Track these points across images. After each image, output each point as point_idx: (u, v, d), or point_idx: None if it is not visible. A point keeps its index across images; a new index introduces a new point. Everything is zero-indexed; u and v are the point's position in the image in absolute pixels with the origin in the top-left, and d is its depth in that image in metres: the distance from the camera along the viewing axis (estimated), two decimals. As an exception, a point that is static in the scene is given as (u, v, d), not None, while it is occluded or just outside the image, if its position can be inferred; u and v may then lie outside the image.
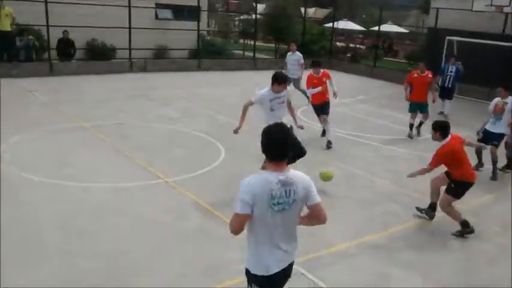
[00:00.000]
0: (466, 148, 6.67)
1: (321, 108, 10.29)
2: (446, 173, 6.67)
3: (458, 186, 6.49)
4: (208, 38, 25.82)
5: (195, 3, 20.59)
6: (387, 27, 29.97)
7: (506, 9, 16.74)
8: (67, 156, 8.49)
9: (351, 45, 31.30)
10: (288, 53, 15.09)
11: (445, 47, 17.56)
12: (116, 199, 6.88)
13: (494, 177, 8.88)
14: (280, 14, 27.27)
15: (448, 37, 17.64)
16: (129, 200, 6.87)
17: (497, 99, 9.02)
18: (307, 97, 13.39)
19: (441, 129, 6.46)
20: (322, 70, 10.40)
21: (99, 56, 18.60)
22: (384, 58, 29.15)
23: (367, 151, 10.17)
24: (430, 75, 11.43)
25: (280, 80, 7.13)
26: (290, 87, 14.35)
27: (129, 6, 18.08)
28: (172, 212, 6.40)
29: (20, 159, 8.14)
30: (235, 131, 7.40)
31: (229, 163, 8.62)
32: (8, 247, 5.31)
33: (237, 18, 38.89)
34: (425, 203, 7.48)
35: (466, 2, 17.44)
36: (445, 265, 5.69)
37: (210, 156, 8.76)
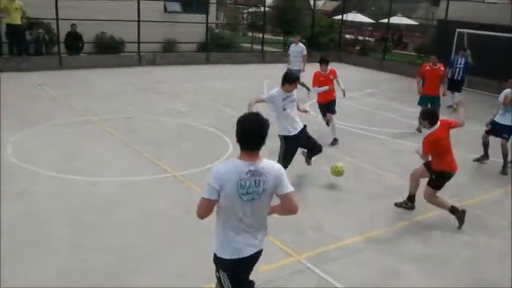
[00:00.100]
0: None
1: (327, 106, 10.01)
2: (426, 164, 6.69)
3: (439, 177, 6.54)
4: (217, 31, 25.76)
5: (203, -4, 20.60)
6: (397, 20, 29.74)
7: (517, 1, 16.57)
8: (75, 150, 8.53)
9: (360, 37, 31.11)
10: (292, 45, 15.09)
11: (455, 40, 17.40)
12: (124, 193, 6.91)
13: (504, 171, 8.81)
14: (289, 6, 27.10)
15: (458, 29, 17.47)
16: (137, 194, 6.90)
17: (507, 91, 8.91)
18: (308, 89, 13.44)
19: (429, 117, 6.49)
20: (329, 67, 10.11)
21: (108, 50, 18.62)
22: (393, 51, 28.95)
23: (375, 145, 10.13)
24: (442, 68, 11.34)
25: (290, 80, 7.08)
26: None
27: (138, 0, 18.09)
28: (180, 206, 6.41)
29: (28, 153, 8.19)
30: (250, 105, 7.15)
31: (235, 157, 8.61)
32: (14, 243, 5.35)
33: (245, 11, 38.77)
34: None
35: (477, -6, 17.29)
36: (452, 260, 5.67)
37: (218, 150, 8.76)
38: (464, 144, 10.46)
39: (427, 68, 11.37)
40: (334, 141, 9.82)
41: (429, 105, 11.35)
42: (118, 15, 17.58)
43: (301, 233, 6.06)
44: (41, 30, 16.76)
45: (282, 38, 27.64)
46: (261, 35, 24.16)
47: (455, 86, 13.98)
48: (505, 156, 8.83)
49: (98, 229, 5.81)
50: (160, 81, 15.62)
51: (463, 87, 14.65)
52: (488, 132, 9.03)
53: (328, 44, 25.25)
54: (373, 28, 36.19)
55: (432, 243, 6.04)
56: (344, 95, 10.30)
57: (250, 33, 32.54)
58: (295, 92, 7.26)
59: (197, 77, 17.04)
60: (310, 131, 7.72)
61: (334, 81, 10.12)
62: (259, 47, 23.38)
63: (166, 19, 20.57)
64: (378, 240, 6.02)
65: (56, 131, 9.53)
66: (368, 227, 6.34)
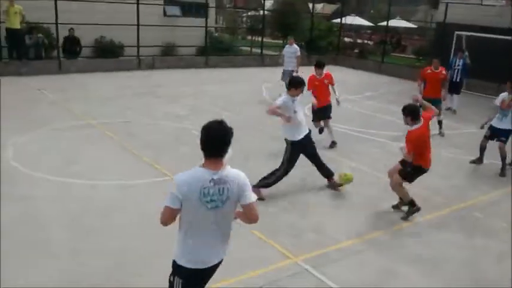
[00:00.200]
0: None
1: (323, 112, 9.69)
2: (402, 162, 6.75)
3: (415, 172, 6.64)
4: (216, 34, 25.82)
5: (203, 0, 20.62)
6: (395, 23, 29.81)
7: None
8: (74, 154, 8.55)
9: (359, 40, 31.17)
10: (286, 46, 15.16)
11: (453, 42, 17.44)
12: (123, 197, 6.93)
13: (502, 173, 8.83)
14: (288, 10, 27.20)
15: (457, 32, 17.51)
16: (136, 198, 6.92)
17: (504, 95, 8.93)
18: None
19: (412, 113, 6.50)
20: (325, 71, 9.88)
21: (107, 54, 18.67)
22: (392, 54, 28.98)
23: (374, 147, 10.16)
24: (444, 72, 11.39)
25: (296, 84, 7.11)
26: (286, 81, 14.48)
27: (138, 3, 18.14)
28: (178, 209, 6.42)
29: (28, 157, 8.21)
30: (288, 120, 7.04)
31: (236, 160, 8.60)
32: (15, 245, 5.37)
33: (244, 15, 38.86)
34: (431, 200, 7.49)
35: (475, -4, 17.35)
36: (451, 261, 5.69)
37: (216, 154, 8.77)
38: (460, 146, 10.54)
39: (428, 71, 11.40)
40: (333, 144, 9.84)
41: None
42: (117, 19, 17.63)
43: (299, 235, 6.08)
44: (40, 35, 16.78)
45: (281, 42, 27.71)
46: (260, 39, 24.20)
47: (453, 88, 14.01)
48: (503, 158, 8.85)
49: (97, 232, 5.83)
50: (159, 85, 15.65)
51: (462, 90, 14.68)
52: (487, 137, 9.03)
53: (327, 47, 25.30)
54: (372, 31, 36.23)
55: (430, 245, 6.06)
56: (338, 103, 9.98)
57: (249, 37, 32.63)
58: (300, 96, 7.28)
59: (196, 81, 17.07)
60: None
61: (330, 87, 9.91)
62: (259, 51, 23.43)
63: (166, 23, 20.62)
64: (377, 242, 6.04)
65: (56, 135, 9.55)
66: (367, 229, 6.36)
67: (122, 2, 18.14)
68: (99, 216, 6.27)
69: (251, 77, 18.59)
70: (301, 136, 7.13)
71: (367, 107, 13.94)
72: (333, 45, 25.47)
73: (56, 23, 16.36)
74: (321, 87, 9.74)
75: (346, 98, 14.68)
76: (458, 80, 14.10)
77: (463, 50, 15.03)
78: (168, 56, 20.30)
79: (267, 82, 16.72)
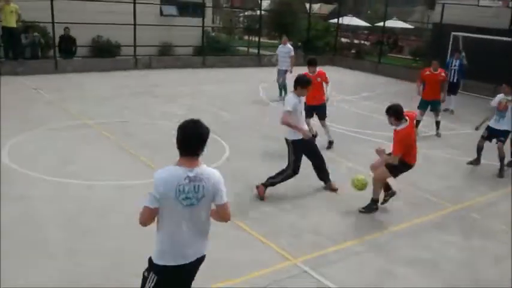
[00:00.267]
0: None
1: (314, 110, 9.59)
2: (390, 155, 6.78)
3: (402, 167, 6.68)
4: (213, 34, 25.79)
5: (199, 0, 20.59)
6: (392, 23, 29.87)
7: (512, 4, 16.66)
8: (71, 154, 8.52)
9: (356, 41, 31.20)
10: (279, 45, 15.16)
11: (450, 43, 17.47)
12: (120, 197, 6.90)
13: (501, 174, 8.83)
14: (285, 10, 27.23)
15: (453, 33, 17.54)
16: (134, 198, 6.86)
17: (500, 96, 8.94)
18: (281, 93, 13.56)
19: (396, 113, 6.50)
20: (318, 69, 9.75)
21: (104, 53, 18.62)
22: (389, 54, 29.04)
23: (370, 148, 10.06)
24: (443, 74, 11.41)
25: (302, 83, 7.07)
26: (279, 80, 14.49)
27: (134, 3, 18.11)
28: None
29: (24, 157, 8.17)
30: (307, 135, 7.08)
31: (234, 160, 8.62)
32: (11, 246, 5.33)
33: (241, 15, 38.86)
34: (429, 201, 7.50)
35: (472, -3, 17.37)
36: (448, 263, 5.68)
37: (214, 154, 8.75)
38: (456, 147, 10.55)
39: (427, 73, 11.41)
40: (330, 144, 9.81)
41: (429, 109, 11.41)
42: (114, 18, 17.58)
43: (298, 236, 6.07)
44: (36, 34, 16.72)
45: (278, 42, 27.68)
46: (257, 39, 24.20)
47: (450, 88, 13.99)
48: (501, 159, 8.85)
49: (94, 233, 5.80)
50: (156, 84, 15.61)
51: (459, 91, 14.70)
52: (484, 138, 9.04)
53: (324, 47, 25.31)
54: (369, 32, 36.28)
55: (428, 246, 6.05)
56: (327, 100, 9.88)
57: (246, 37, 32.62)
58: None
59: (193, 81, 17.04)
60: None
61: (324, 85, 9.80)
62: (256, 51, 23.42)
63: (163, 23, 20.58)
64: (375, 243, 6.03)
65: (52, 135, 9.51)
66: (365, 230, 6.35)
67: (119, 1, 18.10)
68: (96, 216, 6.24)
69: (248, 77, 18.57)
70: (301, 136, 7.11)
71: (364, 108, 13.94)
72: (330, 46, 25.48)
73: (53, 22, 16.32)
74: (313, 85, 9.51)
75: (343, 98, 14.71)
76: (455, 80, 14.12)
77: (460, 51, 15.07)
78: (165, 56, 20.26)
79: (264, 82, 16.72)
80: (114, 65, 18.05)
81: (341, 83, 17.48)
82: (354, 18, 33.50)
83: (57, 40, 17.07)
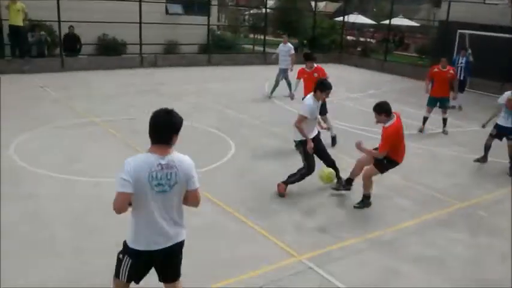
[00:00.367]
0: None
1: None
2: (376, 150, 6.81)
3: (390, 164, 6.75)
4: (218, 32, 25.80)
5: (205, -2, 20.67)
6: (398, 21, 29.74)
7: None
8: (78, 151, 8.55)
9: (362, 39, 31.14)
10: (280, 44, 15.17)
11: (456, 41, 17.41)
12: (126, 194, 6.90)
13: (511, 172, 8.76)
14: (291, 8, 27.20)
15: (459, 30, 17.47)
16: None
17: (508, 93, 8.85)
18: (290, 90, 13.51)
19: (386, 111, 6.58)
20: (316, 65, 9.63)
21: (110, 51, 18.67)
22: (395, 52, 28.97)
23: (375, 145, 10.10)
24: (452, 71, 11.39)
25: (321, 87, 7.03)
26: (280, 78, 14.47)
27: (140, 1, 18.16)
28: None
29: (31, 154, 8.21)
30: (310, 149, 7.10)
31: (239, 158, 8.63)
32: (17, 243, 5.37)
33: (247, 13, 38.83)
34: (435, 198, 7.48)
35: (478, -5, 17.29)
36: (455, 260, 5.67)
37: (220, 151, 8.78)
38: (463, 144, 10.51)
39: (436, 70, 11.39)
40: (333, 140, 9.73)
41: (437, 106, 11.37)
42: (120, 17, 17.63)
43: (303, 233, 6.07)
44: (43, 32, 16.78)
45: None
46: (262, 37, 24.18)
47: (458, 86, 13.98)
48: None
49: (101, 231, 5.81)
50: (162, 82, 15.64)
51: (466, 89, 14.66)
52: (493, 136, 8.99)
53: (329, 45, 25.27)
54: (375, 29, 36.19)
55: (433, 244, 6.04)
56: None
57: (251, 35, 32.60)
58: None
59: (199, 79, 17.06)
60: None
61: None
62: (261, 49, 23.40)
63: (168, 21, 20.62)
64: (379, 241, 6.02)
65: (58, 133, 9.55)
66: (369, 228, 6.34)
67: (125, 0, 18.13)
68: (103, 214, 6.22)
69: (254, 75, 18.57)
70: (310, 137, 7.12)
71: (369, 105, 13.69)
72: (336, 44, 25.44)
73: (59, 21, 16.38)
74: (309, 80, 9.40)
75: (348, 96, 14.70)
76: (461, 78, 14.07)
77: (466, 48, 15.01)
78: (171, 54, 20.30)
79: (269, 80, 16.68)
80: (120, 63, 18.11)
81: (347, 81, 17.46)
82: (360, 16, 33.40)
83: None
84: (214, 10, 23.27)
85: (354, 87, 16.23)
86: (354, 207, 6.89)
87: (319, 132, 7.41)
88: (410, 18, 33.98)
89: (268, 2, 24.62)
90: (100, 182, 7.22)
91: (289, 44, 14.86)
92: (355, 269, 5.32)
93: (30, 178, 7.25)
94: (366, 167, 6.88)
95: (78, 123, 10.32)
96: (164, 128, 3.45)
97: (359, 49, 26.84)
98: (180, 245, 3.68)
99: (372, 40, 32.06)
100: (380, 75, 20.80)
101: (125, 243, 3.64)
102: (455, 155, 9.78)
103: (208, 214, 6.43)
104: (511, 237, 6.28)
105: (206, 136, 9.93)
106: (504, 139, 8.86)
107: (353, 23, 31.87)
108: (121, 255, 3.65)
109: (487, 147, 9.03)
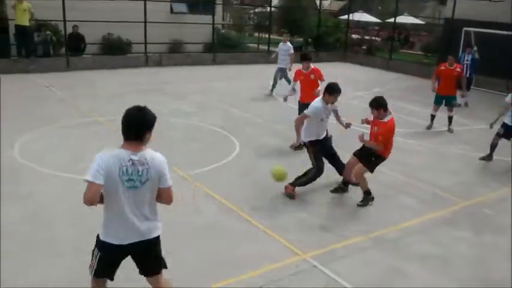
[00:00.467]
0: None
1: (306, 107, 9.44)
2: (363, 153, 6.89)
3: (378, 161, 6.82)
4: (223, 31, 25.80)
5: (209, -3, 20.68)
6: (403, 19, 29.70)
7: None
8: (82, 151, 8.55)
9: (367, 37, 31.06)
10: (280, 43, 15.16)
11: (462, 38, 17.33)
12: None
13: None
14: (295, 6, 27.14)
15: (465, 28, 17.39)
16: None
17: (515, 92, 8.85)
18: (289, 82, 13.50)
19: (384, 105, 6.60)
20: (312, 66, 9.45)
21: (115, 51, 18.71)
22: (400, 50, 28.87)
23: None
24: (458, 69, 11.34)
25: (330, 91, 7.01)
26: (278, 76, 14.46)
27: (145, 0, 18.18)
28: (186, 206, 6.42)
29: (36, 154, 8.23)
30: (294, 146, 7.24)
31: (244, 157, 8.63)
32: (19, 242, 5.38)
33: (251, 12, 38.83)
34: (440, 196, 7.46)
35: (484, -8, 17.20)
36: (459, 259, 5.65)
37: (224, 150, 8.79)
38: (469, 142, 10.48)
39: (442, 68, 11.35)
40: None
41: (443, 104, 11.33)
42: (125, 16, 17.67)
43: (307, 231, 6.07)
44: (48, 32, 16.83)
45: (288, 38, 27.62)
46: (267, 35, 24.16)
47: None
48: None
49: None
50: (166, 81, 15.67)
51: (471, 87, 14.60)
52: (500, 135, 8.95)
53: (334, 43, 25.21)
54: (380, 28, 36.11)
55: (437, 242, 6.02)
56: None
57: (256, 34, 32.57)
58: (336, 103, 7.26)
59: (203, 78, 17.08)
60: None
61: (319, 83, 9.38)
62: (266, 47, 23.37)
63: (173, 20, 20.64)
64: (385, 239, 6.01)
65: (63, 132, 9.58)
66: (375, 226, 6.33)
67: (130, -1, 18.20)
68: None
69: (258, 74, 18.54)
70: (319, 138, 7.14)
71: (375, 104, 13.85)
72: (341, 42, 25.38)
73: (64, 21, 16.43)
74: (306, 82, 9.34)
75: (353, 94, 14.66)
76: (467, 75, 14.01)
77: (472, 46, 14.95)
78: (175, 53, 20.33)
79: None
80: (125, 62, 18.15)
81: (352, 79, 17.42)
82: (365, 14, 33.36)
83: (67, 38, 17.20)
84: (219, 9, 23.29)
85: (359, 86, 16.18)
86: (358, 205, 6.89)
87: (331, 136, 7.37)
88: (416, 16, 33.93)
89: (272, 0, 24.57)
90: (105, 181, 7.22)
91: (288, 44, 14.87)
92: (359, 268, 5.31)
93: (35, 177, 7.27)
94: (354, 168, 6.86)
95: (83, 122, 10.36)
96: (137, 125, 3.51)
97: (364, 47, 26.76)
98: (154, 240, 3.71)
99: (377, 38, 31.96)
100: (385, 73, 20.75)
101: (97, 236, 3.70)
102: (460, 153, 9.75)
103: (212, 213, 6.44)
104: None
105: (211, 135, 9.94)
106: None
107: (358, 21, 31.81)
108: (94, 250, 3.72)
109: (493, 146, 8.99)
